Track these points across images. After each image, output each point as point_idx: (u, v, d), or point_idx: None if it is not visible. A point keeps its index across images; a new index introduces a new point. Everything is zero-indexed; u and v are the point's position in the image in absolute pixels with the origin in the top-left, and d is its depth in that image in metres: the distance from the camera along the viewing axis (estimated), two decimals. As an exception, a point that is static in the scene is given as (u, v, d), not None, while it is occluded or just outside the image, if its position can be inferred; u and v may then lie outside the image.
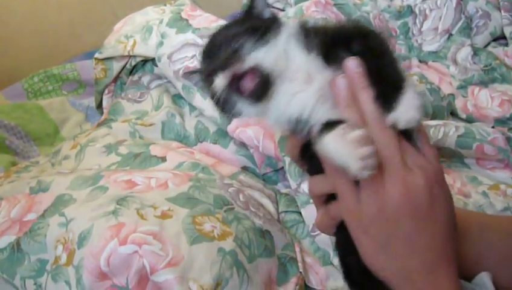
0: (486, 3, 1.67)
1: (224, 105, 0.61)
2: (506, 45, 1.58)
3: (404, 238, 0.58)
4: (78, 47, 1.74)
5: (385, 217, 0.58)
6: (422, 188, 0.58)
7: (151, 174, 0.91)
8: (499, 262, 0.73)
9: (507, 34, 1.60)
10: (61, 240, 0.77)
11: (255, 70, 0.59)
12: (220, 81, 0.60)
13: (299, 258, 0.88)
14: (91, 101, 1.43)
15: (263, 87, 0.59)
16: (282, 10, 1.97)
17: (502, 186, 1.03)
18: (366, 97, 0.57)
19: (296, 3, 1.90)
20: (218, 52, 0.62)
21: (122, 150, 1.06)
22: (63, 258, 0.75)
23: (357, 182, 0.59)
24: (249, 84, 0.59)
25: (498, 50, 1.56)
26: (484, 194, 1.01)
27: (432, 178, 0.59)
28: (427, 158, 0.60)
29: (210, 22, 1.22)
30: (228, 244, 0.78)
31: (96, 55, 1.32)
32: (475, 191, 1.02)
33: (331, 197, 0.63)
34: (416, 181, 0.58)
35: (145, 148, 1.05)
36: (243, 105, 0.60)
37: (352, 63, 0.57)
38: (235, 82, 0.59)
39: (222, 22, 1.22)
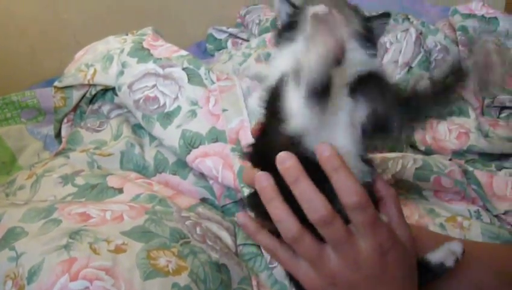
0: (445, 37, 1.71)
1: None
2: (464, 78, 1.61)
3: None
4: (39, 74, 1.71)
5: (339, 286, 0.59)
6: (372, 260, 0.58)
7: (107, 206, 0.89)
8: None
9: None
10: (11, 275, 0.75)
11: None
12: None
13: (256, 292, 0.87)
14: (50, 130, 1.40)
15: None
16: (247, 40, 1.98)
17: (459, 219, 1.04)
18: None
19: (259, 34, 1.91)
20: None
21: (79, 180, 1.04)
22: (12, 295, 0.73)
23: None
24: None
25: (456, 83, 1.59)
26: (441, 226, 1.02)
27: (385, 246, 0.59)
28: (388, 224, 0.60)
29: (171, 52, 1.22)
30: (183, 279, 0.77)
31: (56, 83, 1.30)
32: (432, 223, 1.03)
33: None
34: (364, 254, 0.58)
35: (102, 179, 1.03)
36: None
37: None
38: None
39: (184, 52, 1.22)
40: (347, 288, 0.59)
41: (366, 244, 0.57)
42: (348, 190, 0.56)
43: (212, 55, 1.99)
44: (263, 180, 0.59)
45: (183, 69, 1.17)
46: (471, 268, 0.75)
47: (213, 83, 1.15)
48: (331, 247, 0.58)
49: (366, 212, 0.56)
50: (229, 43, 2.01)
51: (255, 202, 0.64)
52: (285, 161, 0.57)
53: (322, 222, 0.56)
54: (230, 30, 2.07)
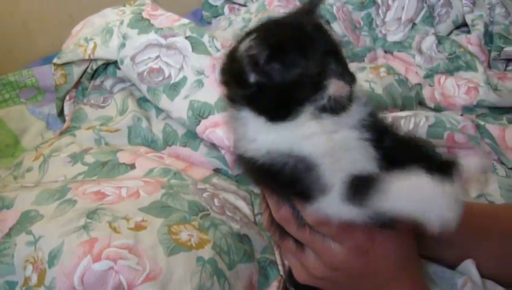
0: (448, -9, 1.68)
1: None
2: (469, 32, 1.59)
3: (348, 286, 0.67)
4: (34, 52, 1.67)
5: (323, 281, 0.67)
6: (350, 260, 0.62)
7: (121, 183, 0.87)
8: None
9: (469, 21, 1.61)
10: (30, 260, 0.73)
11: None
12: None
13: (279, 261, 0.86)
14: (51, 108, 1.37)
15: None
16: (244, 5, 1.94)
17: (475, 174, 1.03)
18: None
19: (258, -2, 1.87)
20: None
21: (88, 158, 1.02)
22: (34, 279, 0.71)
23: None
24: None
25: (461, 38, 1.57)
26: (458, 183, 1.01)
27: (363, 246, 0.62)
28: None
29: (172, 21, 1.18)
30: (207, 252, 0.76)
31: (55, 60, 1.26)
32: (449, 180, 1.01)
33: None
34: (340, 256, 0.62)
35: (113, 155, 1.01)
36: None
37: None
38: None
39: (186, 21, 1.19)
40: (331, 283, 0.66)
41: (340, 248, 0.62)
42: (306, 214, 0.61)
43: (209, 23, 1.95)
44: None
45: (186, 37, 1.13)
46: (491, 240, 0.75)
47: (218, 50, 1.12)
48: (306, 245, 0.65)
49: (329, 226, 0.59)
50: (226, 9, 1.97)
51: None
52: None
53: (282, 221, 0.64)
54: (227, -4, 2.03)
